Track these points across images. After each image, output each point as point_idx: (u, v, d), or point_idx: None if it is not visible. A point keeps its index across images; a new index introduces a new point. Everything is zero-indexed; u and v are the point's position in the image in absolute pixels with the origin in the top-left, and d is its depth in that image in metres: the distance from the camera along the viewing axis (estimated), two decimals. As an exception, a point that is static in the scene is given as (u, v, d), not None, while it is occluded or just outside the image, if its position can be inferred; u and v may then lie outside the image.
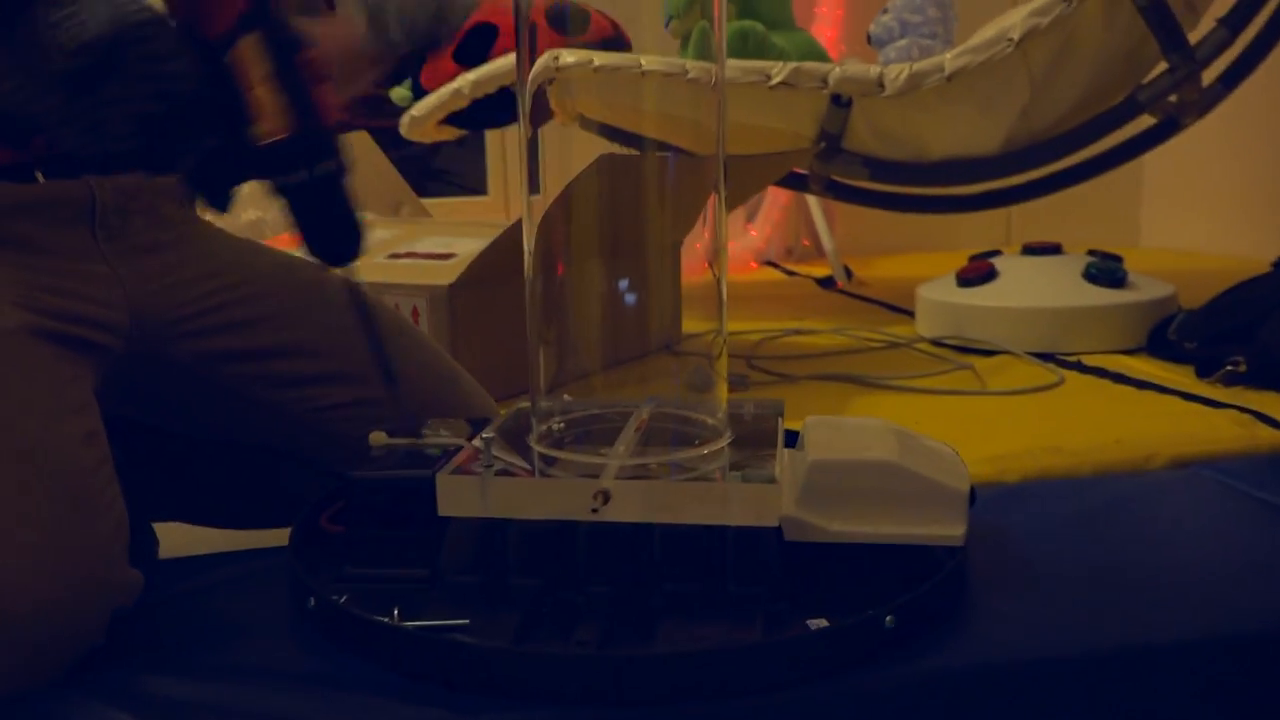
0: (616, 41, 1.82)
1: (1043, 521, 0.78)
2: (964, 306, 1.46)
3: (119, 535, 0.65)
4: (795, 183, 1.89)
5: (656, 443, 0.70)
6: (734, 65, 1.57)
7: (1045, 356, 1.36)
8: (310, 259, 0.82)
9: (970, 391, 1.23)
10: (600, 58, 1.62)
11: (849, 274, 2.28)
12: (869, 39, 1.81)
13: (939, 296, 1.51)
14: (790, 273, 2.44)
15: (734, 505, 0.62)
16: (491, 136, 2.57)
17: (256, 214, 1.71)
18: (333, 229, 0.63)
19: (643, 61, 1.61)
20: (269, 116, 0.58)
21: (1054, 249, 1.54)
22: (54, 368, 0.69)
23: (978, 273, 1.49)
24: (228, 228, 0.90)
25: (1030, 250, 1.55)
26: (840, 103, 1.55)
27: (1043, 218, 2.23)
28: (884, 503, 0.65)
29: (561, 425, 0.72)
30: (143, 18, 0.54)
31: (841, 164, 1.65)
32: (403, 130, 1.87)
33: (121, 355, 0.80)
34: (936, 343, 1.47)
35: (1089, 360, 1.33)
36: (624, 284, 0.98)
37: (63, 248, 0.77)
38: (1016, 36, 1.44)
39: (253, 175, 0.59)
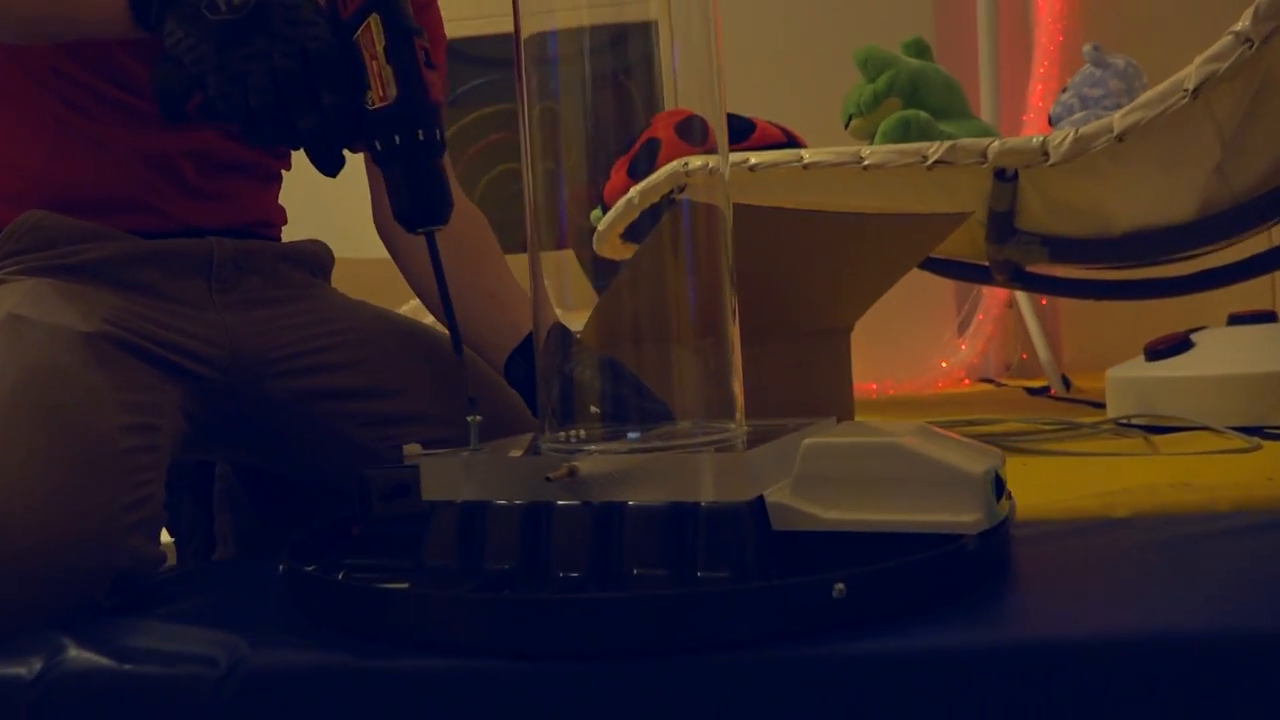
0: (790, 147, 1.84)
1: (1114, 550, 0.65)
2: (1152, 380, 1.30)
3: (140, 511, 0.69)
4: (979, 275, 1.79)
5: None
6: (888, 149, 1.54)
7: (1252, 431, 1.18)
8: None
9: (1134, 453, 1.08)
10: (758, 156, 1.64)
11: (1067, 384, 2.10)
12: (1050, 122, 1.72)
13: (1125, 373, 1.36)
14: (1001, 385, 2.28)
15: (700, 479, 0.57)
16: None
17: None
18: (423, 194, 0.69)
19: (804, 155, 1.62)
20: (383, 84, 0.66)
21: (1267, 316, 1.35)
22: (123, 370, 0.77)
23: (1169, 344, 1.33)
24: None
25: (1237, 320, 1.37)
26: (1005, 177, 1.47)
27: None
28: (886, 488, 0.58)
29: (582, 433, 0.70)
30: None
31: (1018, 246, 1.55)
32: (595, 248, 1.96)
33: (220, 389, 0.87)
34: (1123, 423, 1.31)
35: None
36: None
37: (177, 294, 0.86)
38: (1192, 86, 1.32)
39: (361, 137, 0.67)
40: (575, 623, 0.50)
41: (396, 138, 0.67)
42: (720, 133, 0.75)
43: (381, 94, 0.66)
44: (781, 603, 0.50)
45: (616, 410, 0.68)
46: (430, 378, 0.94)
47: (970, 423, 1.48)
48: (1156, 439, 1.19)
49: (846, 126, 1.85)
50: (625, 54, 0.74)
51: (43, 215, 0.84)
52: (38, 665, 0.52)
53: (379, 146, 0.67)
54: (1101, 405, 1.60)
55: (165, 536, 1.10)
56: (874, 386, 2.34)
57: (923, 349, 2.50)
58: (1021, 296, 2.47)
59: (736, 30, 2.71)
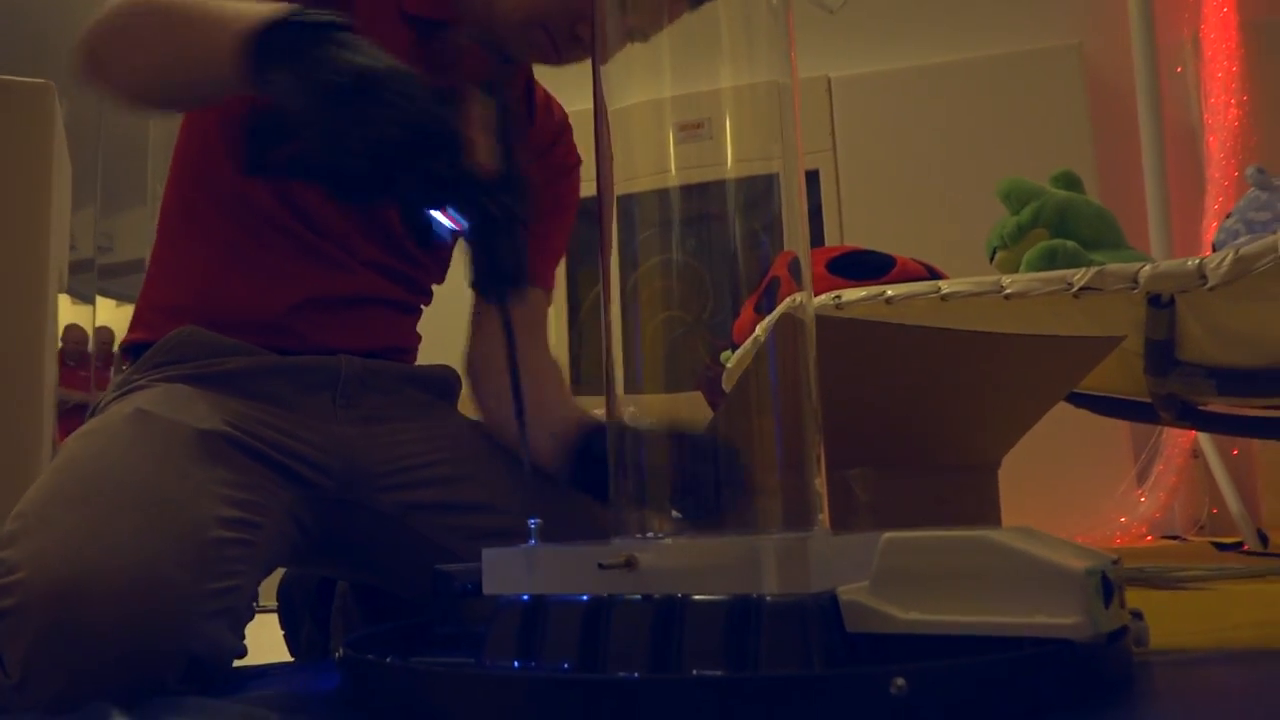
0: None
1: (1262, 681, 0.56)
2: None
3: (224, 600, 0.70)
4: (1142, 414, 1.66)
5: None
6: (1031, 277, 1.47)
7: None
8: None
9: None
10: (895, 289, 1.60)
11: (1264, 539, 1.89)
12: (1213, 248, 1.62)
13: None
14: (1188, 540, 2.08)
15: (763, 567, 0.53)
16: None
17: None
18: (500, 263, 0.70)
19: (942, 286, 1.57)
20: (481, 153, 0.68)
21: None
22: (234, 467, 0.79)
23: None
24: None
25: None
26: (1160, 304, 1.38)
27: None
28: (974, 587, 0.52)
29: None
30: (397, 65, 0.66)
31: (1181, 379, 1.43)
32: (725, 386, 1.95)
33: (332, 498, 0.89)
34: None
35: None
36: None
37: (301, 405, 0.90)
38: (1366, 199, 1.22)
39: (453, 201, 0.67)
40: (608, 707, 0.46)
41: (492, 206, 0.68)
42: (804, 263, 0.76)
43: (479, 162, 0.67)
44: (832, 695, 0.45)
45: (682, 493, 0.65)
46: (533, 492, 0.93)
47: (1140, 570, 1.35)
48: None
49: (991, 261, 1.80)
50: (754, 203, 0.76)
51: (194, 330, 0.90)
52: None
53: (472, 213, 0.68)
54: (1296, 556, 1.43)
55: (287, 656, 1.11)
56: (1041, 538, 2.18)
57: (1096, 499, 2.32)
58: (1207, 443, 2.28)
59: (892, 172, 2.72)
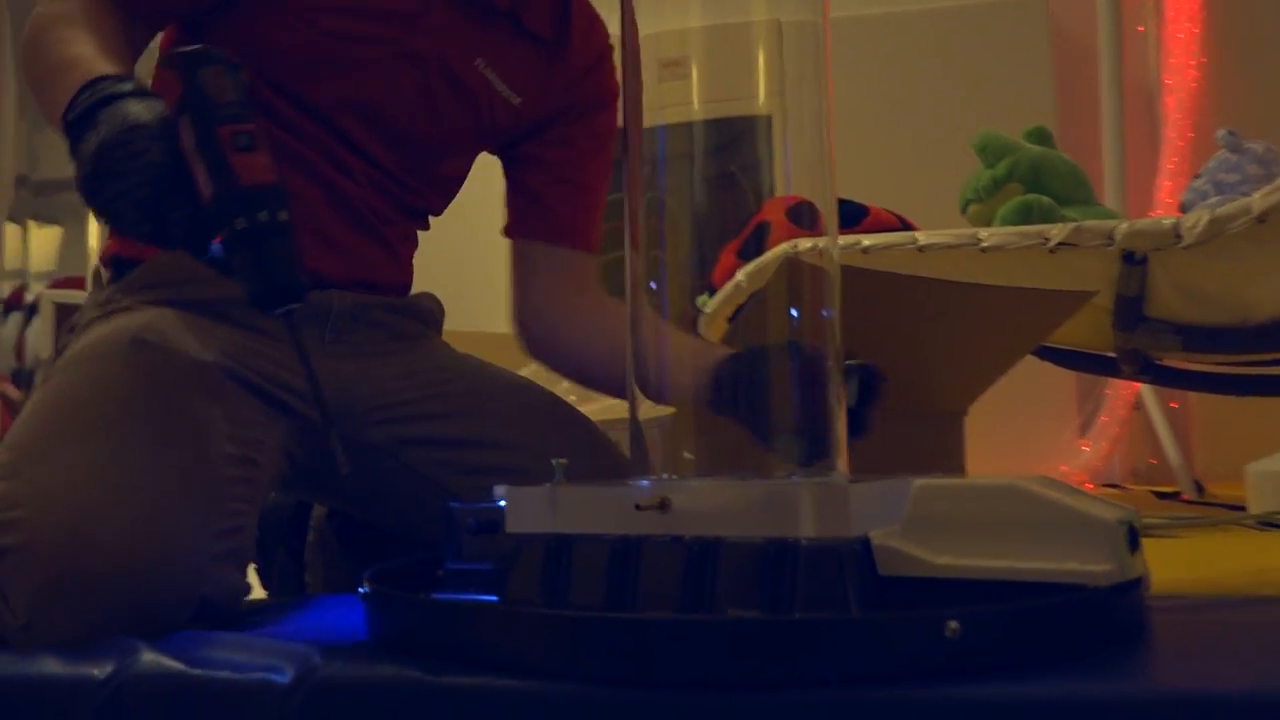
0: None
1: (1261, 622, 0.58)
2: (1301, 475, 1.20)
3: (231, 540, 0.68)
4: (1104, 367, 1.70)
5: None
6: (1008, 231, 1.49)
7: None
8: None
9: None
10: (872, 238, 1.61)
11: (1200, 489, 1.97)
12: (1181, 209, 1.66)
13: (1271, 468, 1.26)
14: (1127, 489, 2.15)
15: (800, 513, 0.53)
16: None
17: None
18: (263, 277, 0.66)
19: (919, 237, 1.58)
20: (202, 182, 0.66)
21: None
22: (232, 400, 0.77)
23: (1319, 438, 1.23)
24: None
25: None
26: (1133, 260, 1.41)
27: None
28: (1005, 534, 0.53)
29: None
30: (127, 124, 0.66)
31: (1147, 334, 1.47)
32: (703, 332, 1.95)
33: (323, 431, 0.88)
34: (1266, 523, 1.21)
35: None
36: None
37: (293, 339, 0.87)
38: (1338, 165, 1.25)
39: (210, 231, 0.66)
40: (664, 647, 0.46)
41: (226, 229, 0.65)
42: (830, 216, 0.74)
43: (204, 191, 0.66)
44: (889, 639, 0.45)
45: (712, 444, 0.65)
46: (532, 432, 0.92)
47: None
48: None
49: (964, 213, 1.81)
50: (739, 145, 0.74)
51: (180, 255, 0.86)
52: (109, 667, 0.50)
53: (221, 240, 0.66)
54: (1238, 509, 1.49)
55: (257, 588, 1.10)
56: (988, 485, 2.24)
57: (1041, 449, 2.39)
58: (1149, 397, 2.35)
59: (855, 119, 2.71)
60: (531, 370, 1.15)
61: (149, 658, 0.51)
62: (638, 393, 0.70)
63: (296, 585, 1.09)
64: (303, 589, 1.07)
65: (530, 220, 1.00)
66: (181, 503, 0.66)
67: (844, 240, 1.61)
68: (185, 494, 0.67)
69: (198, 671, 0.49)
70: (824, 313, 0.66)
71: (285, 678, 0.47)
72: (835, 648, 0.47)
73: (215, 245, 0.67)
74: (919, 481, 0.56)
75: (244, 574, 0.71)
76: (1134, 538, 0.54)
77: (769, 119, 0.79)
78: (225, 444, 0.73)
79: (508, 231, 1.02)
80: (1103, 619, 0.50)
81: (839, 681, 0.45)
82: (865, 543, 0.54)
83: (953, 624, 0.45)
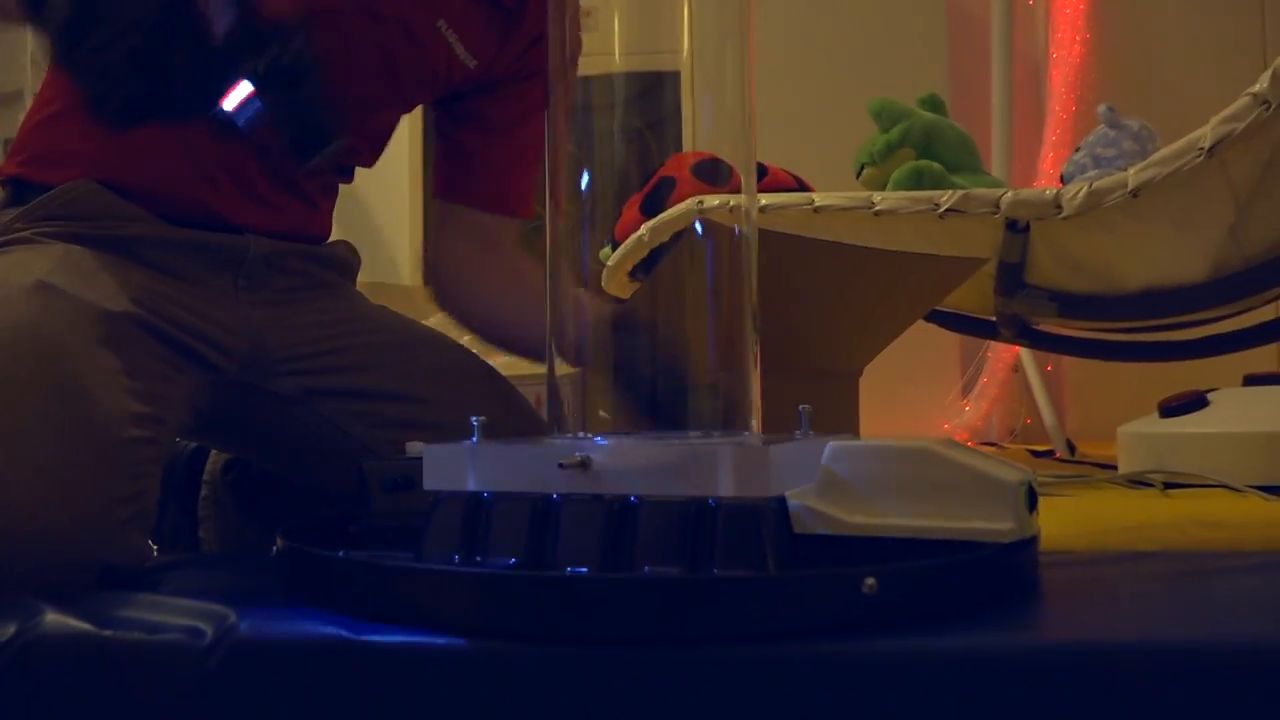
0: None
1: (1142, 576, 0.63)
2: (1167, 436, 1.28)
3: (132, 505, 0.66)
4: (985, 330, 1.78)
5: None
6: (900, 196, 1.54)
7: (1272, 490, 1.15)
8: None
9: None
10: (769, 198, 1.63)
11: (1072, 448, 2.08)
12: (1061, 180, 1.72)
13: (1139, 429, 1.33)
14: (1004, 448, 2.26)
15: (719, 472, 0.55)
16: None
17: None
18: (300, 119, 0.63)
19: (815, 198, 1.61)
20: (216, 15, 0.60)
21: (1280, 379, 1.33)
22: (140, 354, 0.74)
23: (1185, 401, 1.31)
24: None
25: (1254, 381, 1.35)
26: (1016, 229, 1.46)
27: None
28: (914, 494, 0.55)
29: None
30: None
31: (1026, 300, 1.54)
32: (604, 285, 1.94)
33: (233, 381, 0.85)
34: (1136, 481, 1.29)
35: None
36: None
37: (206, 282, 0.84)
38: (1207, 145, 1.32)
39: (226, 75, 0.61)
40: (584, 604, 0.47)
41: (250, 73, 0.61)
42: (749, 175, 0.75)
43: (219, 26, 0.60)
44: (808, 595, 0.47)
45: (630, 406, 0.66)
46: (447, 387, 0.91)
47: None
48: (1173, 494, 1.16)
49: (858, 176, 1.85)
50: (643, 101, 0.74)
51: (92, 187, 0.81)
52: (10, 629, 0.48)
53: (250, 82, 0.62)
54: (1109, 468, 1.57)
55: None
56: (874, 443, 2.31)
57: (925, 409, 2.48)
58: (1027, 360, 2.46)
59: (757, 82, 2.71)
60: (437, 321, 1.14)
61: (53, 619, 0.49)
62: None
63: (190, 541, 1.06)
64: (196, 545, 1.05)
65: (460, 185, 0.99)
66: (86, 468, 0.63)
67: (726, 199, 1.63)
68: (90, 458, 0.64)
69: (108, 633, 0.47)
70: (738, 272, 0.67)
71: (203, 638, 0.46)
72: (754, 604, 0.48)
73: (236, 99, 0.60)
74: (832, 442, 0.58)
75: (147, 538, 0.69)
76: (1032, 498, 0.57)
77: (677, 74, 0.79)
78: (132, 401, 0.70)
79: (437, 193, 1.00)
80: (1005, 575, 0.53)
81: (758, 637, 0.47)
82: (781, 502, 0.56)
83: (870, 581, 0.47)
